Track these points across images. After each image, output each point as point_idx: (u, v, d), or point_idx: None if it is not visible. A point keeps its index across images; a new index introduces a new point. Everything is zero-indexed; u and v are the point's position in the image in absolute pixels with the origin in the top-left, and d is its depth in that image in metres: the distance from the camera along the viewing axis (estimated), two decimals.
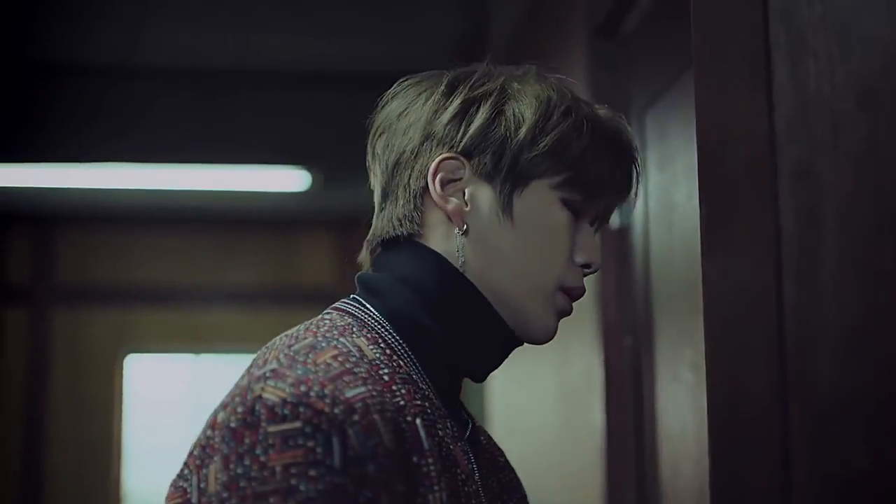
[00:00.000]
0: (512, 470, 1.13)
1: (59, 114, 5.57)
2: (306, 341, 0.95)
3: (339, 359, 0.92)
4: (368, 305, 1.04)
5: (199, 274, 7.29)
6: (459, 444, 0.99)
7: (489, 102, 1.03)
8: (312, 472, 0.82)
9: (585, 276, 1.06)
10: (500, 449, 1.16)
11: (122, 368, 7.29)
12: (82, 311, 7.21)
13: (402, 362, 0.98)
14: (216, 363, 7.46)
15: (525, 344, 1.09)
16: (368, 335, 0.99)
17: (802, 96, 0.78)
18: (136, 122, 5.44)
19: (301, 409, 0.84)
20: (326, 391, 0.86)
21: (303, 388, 0.87)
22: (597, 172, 1.03)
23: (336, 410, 0.84)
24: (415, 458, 0.89)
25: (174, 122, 5.55)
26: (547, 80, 1.09)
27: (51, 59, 5.54)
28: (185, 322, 7.29)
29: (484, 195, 1.02)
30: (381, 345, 0.99)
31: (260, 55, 5.45)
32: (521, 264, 1.02)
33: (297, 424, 0.84)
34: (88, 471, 7.06)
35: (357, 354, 0.94)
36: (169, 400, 7.40)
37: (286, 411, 0.84)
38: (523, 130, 1.01)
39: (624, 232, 2.65)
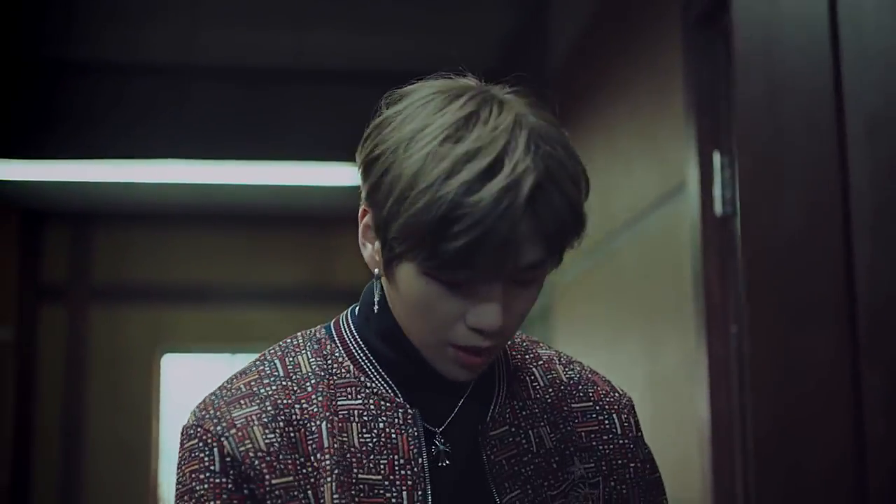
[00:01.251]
0: (556, 453, 1.17)
1: (106, 112, 5.56)
2: (249, 362, 1.18)
3: (253, 383, 1.13)
4: (352, 314, 1.19)
5: (236, 272, 7.28)
6: (412, 430, 1.12)
7: (384, 159, 1.02)
8: (202, 476, 1.07)
9: (485, 335, 1.04)
10: (535, 433, 1.18)
11: (158, 368, 7.28)
12: (119, 311, 7.19)
13: (353, 367, 1.14)
14: None
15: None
16: (320, 349, 1.16)
17: None
18: (182, 119, 5.43)
19: (198, 430, 1.09)
20: (218, 414, 1.10)
21: (202, 413, 1.10)
22: (450, 252, 0.97)
23: (218, 428, 1.08)
24: (316, 455, 1.09)
25: (219, 119, 5.54)
26: (472, 120, 1.00)
27: (101, 58, 5.54)
28: (221, 321, 7.27)
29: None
30: (334, 355, 1.16)
31: (309, 53, 5.45)
32: (406, 321, 1.09)
33: (195, 442, 1.09)
34: (126, 471, 7.04)
35: (279, 373, 1.14)
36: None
37: (190, 432, 1.09)
38: (385, 208, 1.01)
39: (727, 219, 2.64)
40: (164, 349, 7.30)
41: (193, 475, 1.07)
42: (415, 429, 1.11)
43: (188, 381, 7.40)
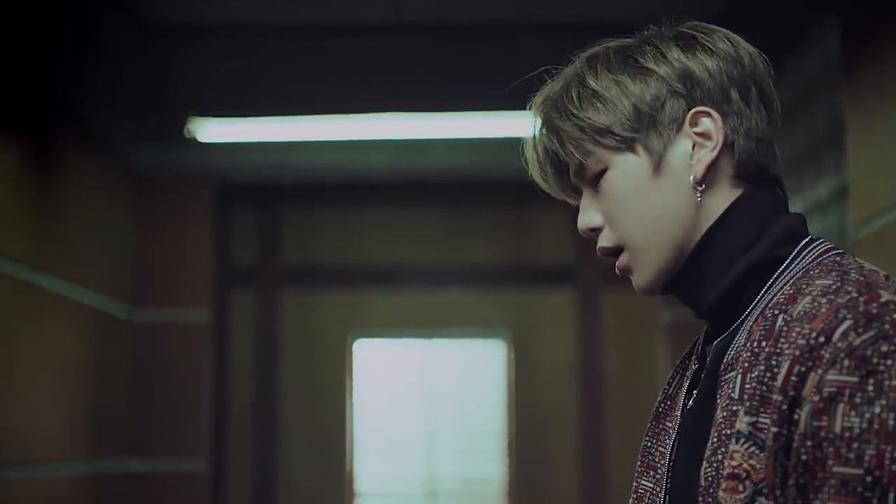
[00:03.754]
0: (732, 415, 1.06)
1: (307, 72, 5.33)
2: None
3: None
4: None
5: (429, 253, 6.89)
6: (686, 384, 1.18)
7: None
8: None
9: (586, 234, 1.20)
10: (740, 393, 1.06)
11: (351, 353, 6.94)
12: (310, 294, 6.89)
13: None
14: (448, 347, 7.04)
15: None
16: None
17: None
18: (398, 76, 5.12)
19: None
20: None
21: None
22: None
23: None
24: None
25: (434, 73, 5.25)
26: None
27: (308, 18, 5.33)
28: (415, 304, 6.90)
29: None
30: None
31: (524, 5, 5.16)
32: None
33: None
34: (321, 460, 6.74)
35: None
36: (399, 387, 7.01)
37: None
38: None
39: None
40: (356, 334, 6.96)
41: None
42: (688, 380, 1.23)
43: (381, 368, 7.04)
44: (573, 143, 1.16)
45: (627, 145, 1.14)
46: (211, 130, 5.04)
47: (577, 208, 1.22)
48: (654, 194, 1.14)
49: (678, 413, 1.19)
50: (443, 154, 5.73)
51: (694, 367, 1.20)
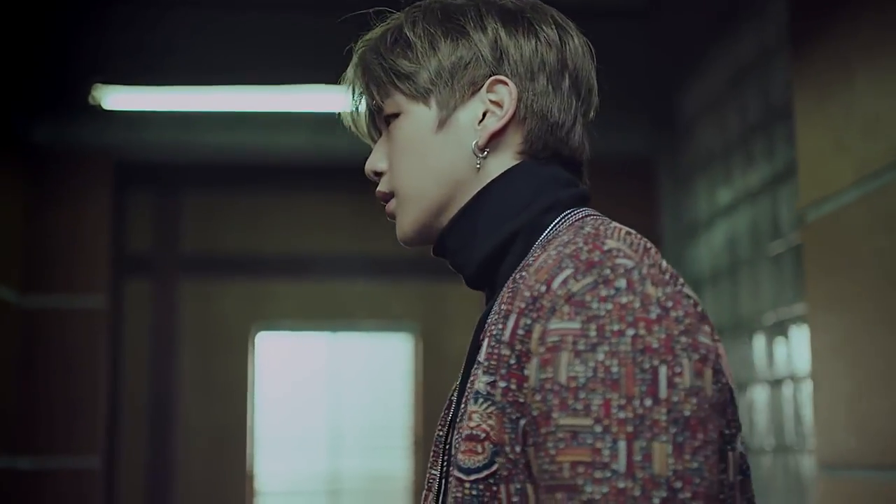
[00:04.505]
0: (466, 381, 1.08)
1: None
2: None
3: None
4: None
5: (336, 241, 6.64)
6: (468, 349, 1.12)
7: None
8: None
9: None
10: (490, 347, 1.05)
11: (253, 346, 6.65)
12: (210, 283, 6.58)
13: None
14: (354, 340, 6.80)
15: None
16: None
17: None
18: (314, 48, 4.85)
19: None
20: None
21: None
22: None
23: None
24: None
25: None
26: None
27: None
28: (320, 295, 6.64)
29: None
30: None
31: None
32: None
33: None
34: (219, 455, 6.43)
35: None
36: (303, 381, 6.74)
37: None
38: None
39: None
40: (258, 327, 6.66)
41: None
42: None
43: (284, 361, 6.75)
44: (375, 84, 1.19)
45: (422, 96, 1.16)
46: (116, 98, 4.71)
47: None
48: (433, 148, 1.15)
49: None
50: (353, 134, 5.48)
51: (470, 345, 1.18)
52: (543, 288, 0.97)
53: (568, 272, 0.97)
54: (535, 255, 1.06)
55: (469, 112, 1.15)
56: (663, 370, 0.92)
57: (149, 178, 6.40)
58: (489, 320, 1.06)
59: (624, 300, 0.94)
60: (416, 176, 1.16)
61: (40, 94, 5.12)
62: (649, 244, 1.04)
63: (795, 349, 4.09)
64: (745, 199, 4.60)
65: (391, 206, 1.20)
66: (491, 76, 1.14)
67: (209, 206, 6.57)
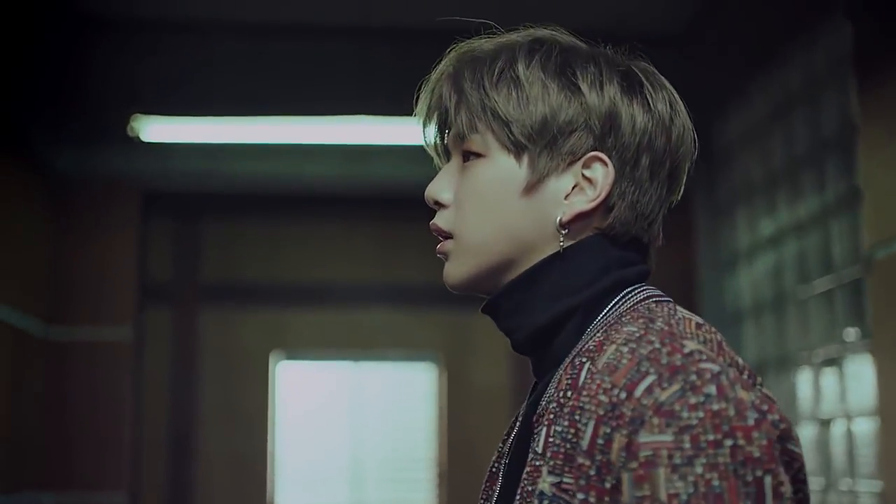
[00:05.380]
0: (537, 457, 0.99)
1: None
2: None
3: None
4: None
5: (359, 270, 6.56)
6: (518, 425, 1.08)
7: None
8: None
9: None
10: (548, 434, 0.99)
11: (274, 375, 6.55)
12: (231, 312, 6.48)
13: None
14: (377, 370, 6.70)
15: None
16: None
17: None
18: (347, 79, 4.78)
19: None
20: None
21: None
22: None
23: None
24: None
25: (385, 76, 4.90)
26: None
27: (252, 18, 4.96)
28: (342, 324, 6.55)
29: None
30: None
31: None
32: None
33: None
34: (240, 488, 6.32)
35: None
36: (324, 411, 6.64)
37: None
38: None
39: None
40: (279, 356, 6.56)
41: None
42: (519, 422, 1.10)
43: (306, 391, 6.65)
44: (467, 113, 1.07)
45: (515, 149, 1.06)
46: (152, 129, 4.63)
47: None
48: (514, 210, 1.06)
49: (502, 472, 1.11)
50: (381, 164, 5.42)
51: (520, 421, 1.10)
52: (624, 395, 0.91)
53: (651, 379, 0.91)
54: (596, 339, 1.01)
55: (560, 182, 1.06)
56: (768, 480, 0.88)
57: (172, 207, 6.32)
58: (544, 404, 1.01)
59: (716, 407, 0.89)
60: (487, 231, 1.07)
61: (69, 124, 5.04)
62: (720, 335, 0.99)
63: (851, 386, 4.01)
64: (791, 232, 4.53)
65: (447, 246, 1.11)
66: (593, 150, 1.05)
67: (231, 235, 6.49)
